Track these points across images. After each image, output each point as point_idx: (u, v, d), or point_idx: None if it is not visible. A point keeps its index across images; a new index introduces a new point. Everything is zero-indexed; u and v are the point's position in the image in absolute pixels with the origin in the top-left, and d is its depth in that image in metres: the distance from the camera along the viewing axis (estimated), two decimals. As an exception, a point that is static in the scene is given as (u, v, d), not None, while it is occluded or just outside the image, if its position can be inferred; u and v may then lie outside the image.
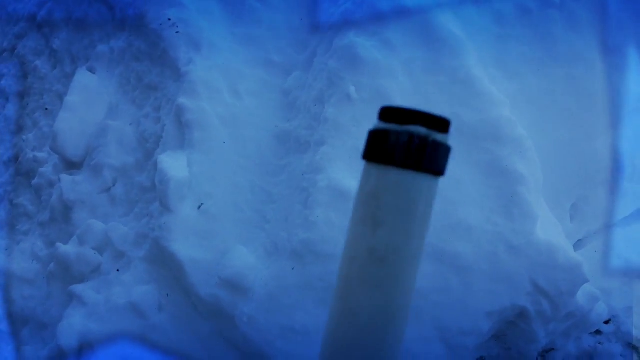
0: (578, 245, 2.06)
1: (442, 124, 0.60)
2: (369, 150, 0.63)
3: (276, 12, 2.09)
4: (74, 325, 1.80)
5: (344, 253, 0.68)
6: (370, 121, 1.69)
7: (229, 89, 1.98)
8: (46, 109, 2.56)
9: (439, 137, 0.59)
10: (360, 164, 1.72)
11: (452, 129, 0.64)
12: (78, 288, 1.93)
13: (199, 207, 1.84)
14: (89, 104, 2.22)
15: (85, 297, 1.89)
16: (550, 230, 1.75)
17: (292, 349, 1.68)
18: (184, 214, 1.82)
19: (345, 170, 1.69)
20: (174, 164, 1.84)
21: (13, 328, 2.13)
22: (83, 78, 2.27)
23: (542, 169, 1.73)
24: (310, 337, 1.68)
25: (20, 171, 2.53)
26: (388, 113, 0.60)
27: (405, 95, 1.75)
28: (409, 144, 0.57)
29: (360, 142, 1.70)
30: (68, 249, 2.01)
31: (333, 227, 1.65)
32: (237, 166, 1.91)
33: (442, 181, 1.71)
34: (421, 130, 0.58)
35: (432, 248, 1.66)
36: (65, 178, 2.15)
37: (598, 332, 1.96)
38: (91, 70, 2.35)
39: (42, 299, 2.09)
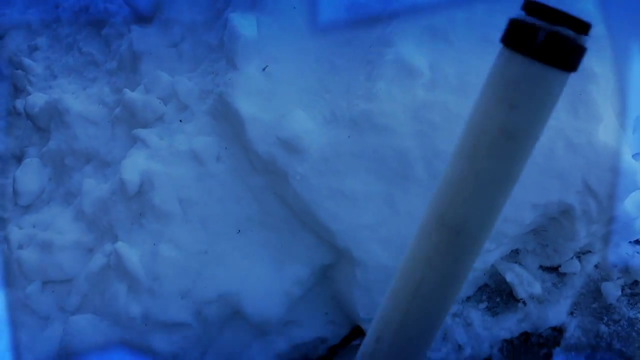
0: (635, 157, 2.08)
1: (585, 28, 0.64)
2: (513, 39, 0.67)
3: None
4: (137, 163, 1.96)
5: (470, 127, 0.73)
6: (455, 3, 1.67)
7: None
8: (119, -38, 2.60)
9: (581, 39, 0.63)
10: (429, 46, 1.73)
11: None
12: (142, 132, 2.08)
13: (264, 69, 1.91)
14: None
15: (149, 141, 2.04)
16: (611, 134, 1.77)
17: (339, 211, 1.80)
18: (249, 73, 1.89)
19: (413, 47, 1.70)
20: (244, 23, 1.89)
21: (77, 164, 2.33)
22: None
23: (615, 73, 1.73)
24: (357, 202, 1.79)
25: (90, 21, 2.63)
26: (536, 9, 0.64)
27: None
28: (557, 44, 0.62)
29: (433, 22, 1.72)
30: (135, 95, 2.13)
31: (394, 101, 1.70)
32: (304, 33, 1.94)
33: None
34: (569, 32, 0.63)
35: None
36: (136, 29, 2.23)
37: (638, 241, 2.02)
38: None
39: (106, 139, 2.25)
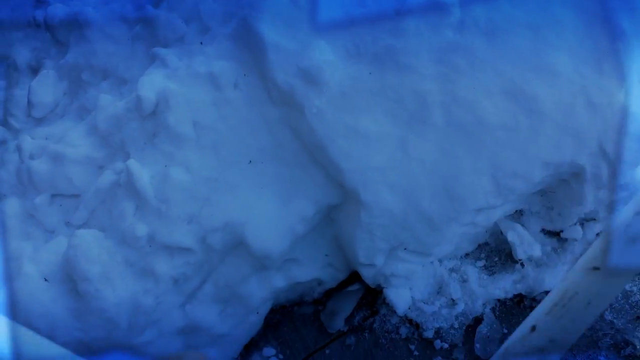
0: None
1: None
2: None
3: None
4: (154, 81, 2.02)
5: None
6: None
7: None
8: None
9: None
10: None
11: None
12: (162, 51, 2.13)
13: (292, -5, 1.93)
14: None
15: (168, 60, 2.09)
16: (633, 97, 1.77)
17: (351, 149, 1.86)
18: (276, -2, 1.93)
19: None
20: (276, -56, 1.91)
21: (93, 80, 2.40)
22: None
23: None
24: (370, 142, 1.85)
25: None
26: None
27: None
28: None
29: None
30: (157, 12, 2.18)
31: (421, 38, 1.73)
32: (336, -38, 1.95)
33: (541, 17, 1.75)
34: None
35: (510, 85, 1.73)
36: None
37: None
38: None
39: (125, 56, 2.31)
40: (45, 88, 2.44)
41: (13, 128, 2.49)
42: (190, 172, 1.99)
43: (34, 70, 2.68)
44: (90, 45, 2.36)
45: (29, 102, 2.44)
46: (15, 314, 1.90)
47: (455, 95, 1.74)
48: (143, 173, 1.97)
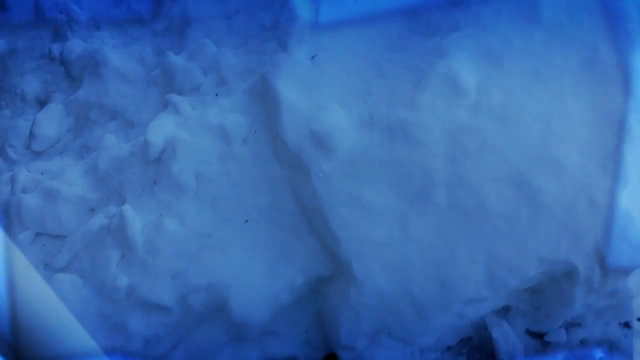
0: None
1: None
2: None
3: None
4: (164, 127, 2.06)
5: None
6: (512, 27, 1.73)
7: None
8: None
9: None
10: (481, 65, 1.77)
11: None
12: (176, 98, 2.18)
13: (313, 57, 1.99)
14: None
15: (181, 108, 2.14)
16: (635, 202, 1.78)
17: (351, 220, 1.86)
18: (297, 58, 1.99)
19: (466, 64, 1.78)
20: (304, 6, 2.00)
21: (101, 119, 2.44)
22: None
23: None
24: (371, 214, 1.86)
25: (146, -21, 2.77)
26: None
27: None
28: None
29: (490, 42, 1.77)
30: (177, 59, 2.25)
31: (436, 115, 1.76)
32: (358, 31, 2.03)
33: (554, 108, 1.78)
34: None
35: (516, 173, 1.74)
36: (192, -6, 2.36)
37: (627, 324, 2.02)
38: None
39: (137, 99, 2.36)
40: (50, 122, 2.48)
41: (10, 159, 2.51)
42: (185, 224, 1.98)
43: (41, 103, 2.74)
44: (103, 84, 2.42)
45: (31, 134, 2.47)
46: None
47: (461, 177, 1.76)
48: (136, 220, 1.96)
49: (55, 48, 2.86)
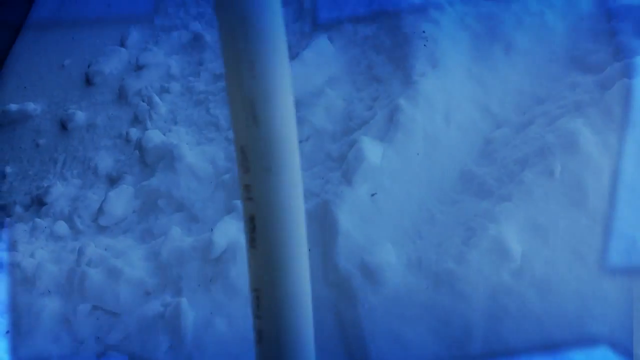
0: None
1: None
2: None
3: (515, 72, 2.44)
4: (229, 231, 2.28)
5: None
6: (559, 206, 1.98)
7: (443, 113, 2.36)
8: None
9: None
10: (528, 236, 1.99)
11: None
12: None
13: (372, 195, 2.24)
14: (318, 65, 2.72)
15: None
16: None
17: (389, 354, 2.01)
18: (359, 193, 2.23)
19: (516, 233, 1.99)
20: (372, 149, 2.26)
21: (168, 209, 2.67)
22: (322, 42, 2.79)
23: None
24: (409, 354, 2.01)
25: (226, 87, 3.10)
26: None
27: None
28: None
29: (541, 218, 2.00)
30: (247, 171, 2.50)
31: (481, 273, 1.96)
32: (416, 179, 2.29)
33: (590, 289, 1.97)
34: None
35: (550, 342, 1.90)
36: (270, 115, 2.66)
37: None
38: (330, 39, 2.86)
39: (204, 197, 2.61)
40: (120, 201, 2.72)
41: (76, 228, 2.73)
42: (233, 326, 2.15)
43: (112, 180, 3.00)
44: (176, 177, 2.68)
45: (100, 210, 2.71)
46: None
47: (499, 334, 1.93)
48: (189, 314, 2.13)
49: (133, 132, 3.16)
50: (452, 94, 2.37)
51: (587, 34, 2.44)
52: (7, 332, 2.29)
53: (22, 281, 2.44)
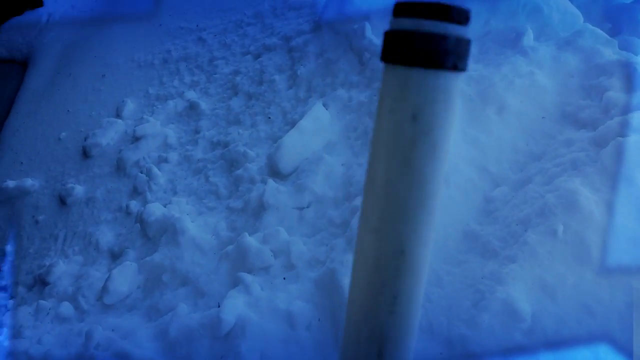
0: None
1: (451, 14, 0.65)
2: (388, 53, 0.72)
3: (509, 131, 2.51)
4: (237, 306, 2.27)
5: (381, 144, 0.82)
6: (565, 265, 2.02)
7: (442, 175, 2.41)
8: (269, 117, 3.18)
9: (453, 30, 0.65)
10: (536, 297, 2.01)
11: None
12: (247, 277, 2.41)
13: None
14: (315, 133, 2.78)
15: (252, 288, 2.37)
16: None
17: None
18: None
19: (524, 294, 2.01)
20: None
21: (172, 283, 2.66)
22: (319, 110, 2.85)
23: None
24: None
25: (225, 157, 3.15)
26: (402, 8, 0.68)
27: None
28: (426, 44, 0.66)
29: (548, 277, 2.02)
30: (252, 241, 2.52)
31: (494, 336, 1.97)
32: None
33: (599, 342, 1.99)
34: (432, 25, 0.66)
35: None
36: (272, 184, 2.70)
37: None
38: (325, 106, 2.93)
39: (209, 270, 2.60)
40: (124, 278, 2.70)
41: (81, 308, 2.70)
42: (246, 403, 2.11)
43: (114, 255, 2.99)
44: (179, 250, 2.67)
45: (104, 288, 2.69)
46: None
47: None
48: (202, 394, 2.10)
49: (133, 205, 3.17)
50: (450, 156, 2.42)
51: (577, 91, 2.53)
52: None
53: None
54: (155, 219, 2.91)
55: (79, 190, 3.46)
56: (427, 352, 2.05)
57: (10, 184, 3.75)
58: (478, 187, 2.43)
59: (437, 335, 2.06)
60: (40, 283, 2.99)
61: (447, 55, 0.67)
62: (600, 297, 1.97)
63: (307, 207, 2.62)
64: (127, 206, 3.21)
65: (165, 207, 3.00)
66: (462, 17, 0.65)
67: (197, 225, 2.80)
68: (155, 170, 3.31)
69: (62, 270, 2.96)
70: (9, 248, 3.36)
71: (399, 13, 0.68)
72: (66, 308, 2.70)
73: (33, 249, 3.29)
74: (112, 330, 2.48)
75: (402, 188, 0.82)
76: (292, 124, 2.99)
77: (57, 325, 2.62)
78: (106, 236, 3.11)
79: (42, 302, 2.80)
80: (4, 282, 3.20)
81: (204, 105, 3.66)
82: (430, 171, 0.80)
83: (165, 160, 3.40)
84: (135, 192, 3.29)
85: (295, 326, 2.24)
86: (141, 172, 3.36)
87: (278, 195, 2.66)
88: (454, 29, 0.66)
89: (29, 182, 3.73)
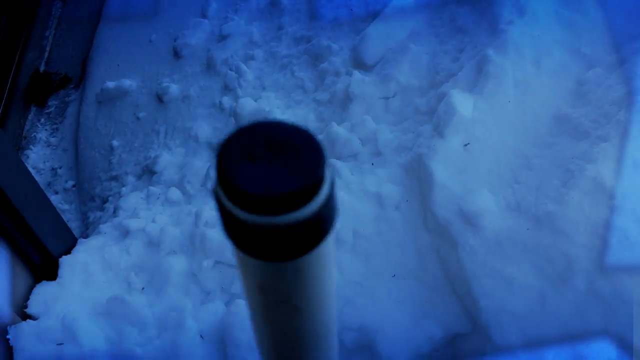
0: None
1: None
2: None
3: (606, 11, 2.38)
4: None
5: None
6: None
7: (532, 58, 2.35)
8: (351, 9, 3.16)
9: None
10: (628, 174, 2.00)
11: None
12: (338, 163, 2.54)
13: (465, 145, 2.30)
14: (399, 21, 2.75)
15: (342, 173, 2.50)
16: None
17: (493, 291, 2.12)
18: (452, 145, 2.29)
19: (612, 172, 2.01)
20: (462, 102, 2.30)
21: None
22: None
23: None
24: (512, 288, 2.10)
25: (309, 52, 3.19)
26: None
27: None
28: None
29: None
30: (340, 130, 2.62)
31: (581, 212, 2.00)
32: (510, 126, 2.31)
33: None
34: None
35: None
36: (357, 75, 2.74)
37: None
38: (408, -5, 2.87)
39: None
40: (224, 166, 2.90)
41: (187, 193, 2.96)
42: (342, 272, 2.31)
43: (212, 147, 3.19)
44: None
45: (207, 175, 2.91)
46: (171, 358, 2.23)
47: (601, 266, 1.98)
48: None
49: (225, 101, 3.32)
50: (541, 39, 2.35)
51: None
52: (143, 288, 2.57)
53: (148, 244, 2.70)
54: (248, 112, 3.05)
55: (174, 88, 3.64)
56: (514, 228, 2.13)
57: (110, 84, 3.98)
58: (570, 70, 2.36)
59: (524, 213, 2.13)
60: (148, 172, 3.27)
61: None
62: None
63: (393, 96, 2.66)
64: (220, 102, 3.36)
65: (255, 102, 3.13)
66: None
67: (287, 117, 2.92)
68: (243, 67, 3.41)
69: (167, 160, 3.21)
70: (115, 143, 3.65)
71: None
72: (174, 193, 2.96)
73: (138, 143, 3.56)
74: (218, 211, 2.72)
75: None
76: (374, 15, 2.96)
77: (168, 208, 2.90)
78: (204, 130, 3.30)
79: (151, 188, 3.08)
80: (115, 173, 3.52)
81: (285, 1, 3.65)
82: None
83: (252, 58, 3.49)
84: (227, 88, 3.43)
85: (385, 206, 2.38)
86: (230, 70, 3.48)
87: (363, 86, 2.71)
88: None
89: (127, 83, 3.95)
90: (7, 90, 3.96)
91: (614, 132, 2.04)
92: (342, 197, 2.38)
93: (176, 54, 3.90)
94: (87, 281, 2.55)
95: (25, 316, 2.39)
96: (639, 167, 1.99)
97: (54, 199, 3.58)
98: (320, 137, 2.73)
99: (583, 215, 2.00)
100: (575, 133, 2.19)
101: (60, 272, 2.52)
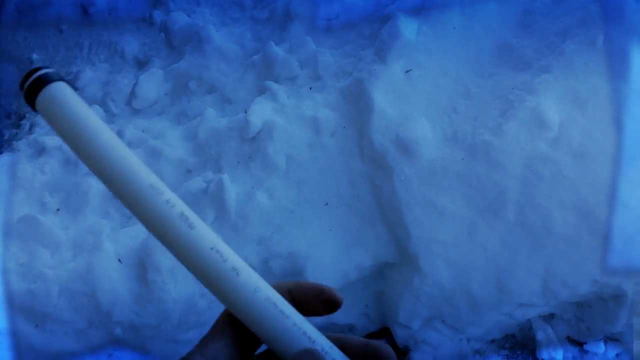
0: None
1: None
2: None
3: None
4: (264, 111, 2.22)
5: None
6: (599, 77, 1.88)
7: (480, -15, 2.19)
8: None
9: None
10: (566, 106, 1.91)
11: None
12: (274, 85, 2.33)
13: (407, 71, 2.14)
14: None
15: (278, 95, 2.30)
16: None
17: (424, 219, 2.03)
18: (394, 71, 2.14)
19: (554, 104, 1.92)
20: (407, 25, 2.13)
21: (199, 91, 2.59)
22: None
23: None
24: (443, 218, 2.03)
25: (249, -34, 2.89)
26: None
27: None
28: None
29: (581, 89, 1.91)
30: (278, 50, 2.39)
31: (518, 143, 1.92)
32: (452, 54, 2.17)
33: (626, 154, 1.91)
34: None
35: (584, 204, 1.90)
36: (300, -8, 2.49)
37: None
38: None
39: (235, 79, 2.51)
40: (151, 85, 2.63)
41: (111, 111, 2.67)
42: (273, 199, 2.16)
43: (139, 63, 2.88)
44: (205, 59, 2.56)
45: (133, 93, 2.63)
46: (86, 282, 2.03)
47: (532, 199, 1.92)
48: (232, 188, 2.13)
49: (156, 14, 2.99)
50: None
51: None
52: (58, 209, 2.32)
53: (65, 163, 2.43)
54: (180, 27, 2.76)
55: None
56: (449, 158, 2.02)
57: (30, -7, 3.53)
58: (516, -1, 2.23)
59: (460, 143, 2.02)
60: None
61: None
62: (633, 112, 1.88)
63: (336, 17, 2.44)
64: (151, 16, 3.03)
65: (189, 16, 2.83)
66: None
67: (222, 35, 2.66)
68: (176, -21, 3.07)
69: (90, 76, 2.89)
70: (35, 56, 3.26)
71: None
72: (96, 110, 2.67)
73: (59, 57, 3.19)
74: (143, 131, 2.48)
75: None
76: None
77: (90, 126, 2.60)
78: (131, 45, 2.98)
79: (73, 105, 2.76)
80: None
81: None
82: None
83: (187, -30, 3.14)
84: (158, 1, 3.08)
85: (321, 132, 2.21)
86: (162, -18, 3.12)
87: (305, 5, 2.47)
88: None
89: (48, -8, 3.50)
90: None
91: (557, 63, 1.94)
92: (277, 122, 2.19)
93: (104, -37, 3.46)
94: (-6, 200, 2.27)
95: None
96: (579, 100, 1.91)
97: (-37, 113, 3.18)
98: (256, 57, 2.50)
99: (519, 146, 1.92)
100: (517, 63, 2.08)
101: (-37, 189, 2.22)
